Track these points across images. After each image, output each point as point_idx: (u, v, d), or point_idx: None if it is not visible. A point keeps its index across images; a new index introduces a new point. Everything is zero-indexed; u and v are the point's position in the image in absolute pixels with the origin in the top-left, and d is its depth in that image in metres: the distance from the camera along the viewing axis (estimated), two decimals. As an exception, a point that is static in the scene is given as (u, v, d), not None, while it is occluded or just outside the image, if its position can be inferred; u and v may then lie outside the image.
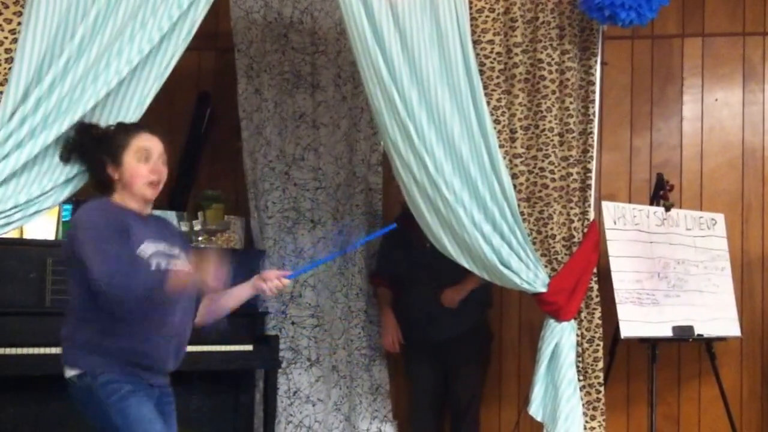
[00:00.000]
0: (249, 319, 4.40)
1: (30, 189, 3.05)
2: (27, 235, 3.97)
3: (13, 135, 3.02)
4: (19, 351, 3.73)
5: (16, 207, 3.03)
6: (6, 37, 3.05)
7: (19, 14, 3.06)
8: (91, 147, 2.96)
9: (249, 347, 4.22)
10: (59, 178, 3.09)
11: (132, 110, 3.18)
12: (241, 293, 3.06)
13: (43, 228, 4.05)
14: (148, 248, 2.80)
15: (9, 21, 3.06)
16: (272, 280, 3.03)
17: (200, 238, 4.55)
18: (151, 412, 2.79)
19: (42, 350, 3.77)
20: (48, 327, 3.86)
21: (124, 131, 2.93)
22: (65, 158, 3.04)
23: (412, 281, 4.47)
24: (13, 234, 4.02)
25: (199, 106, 4.90)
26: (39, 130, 3.03)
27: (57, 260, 3.94)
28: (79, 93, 3.09)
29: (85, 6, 3.15)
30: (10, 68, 3.04)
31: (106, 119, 3.13)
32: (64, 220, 4.23)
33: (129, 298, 2.67)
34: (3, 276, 3.87)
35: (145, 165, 2.87)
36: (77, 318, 2.83)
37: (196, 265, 2.79)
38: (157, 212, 3.14)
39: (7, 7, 3.05)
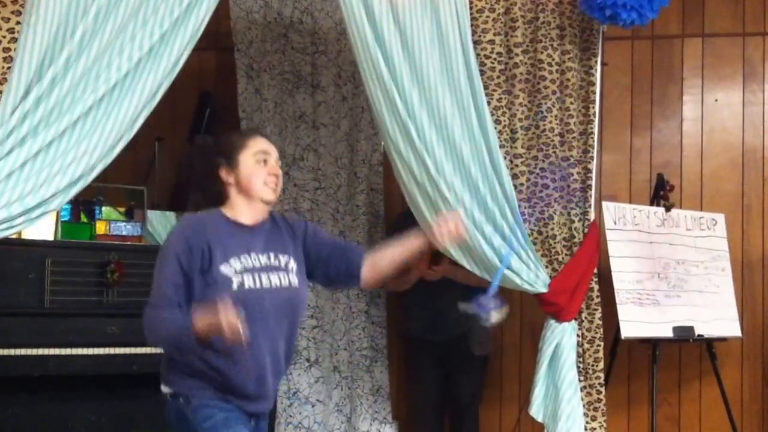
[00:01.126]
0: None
1: (38, 192, 3.04)
2: (26, 236, 3.96)
3: (13, 132, 3.02)
4: (19, 352, 3.72)
5: (23, 213, 3.02)
6: (4, 36, 3.05)
7: (18, 13, 3.06)
8: (202, 157, 2.85)
9: (249, 348, 4.21)
10: (63, 181, 3.09)
11: (140, 106, 3.17)
12: (406, 248, 2.92)
13: (41, 228, 4.04)
14: (235, 263, 2.68)
15: (7, 20, 3.06)
16: (447, 223, 2.82)
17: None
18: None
19: (41, 351, 3.77)
20: (47, 327, 3.88)
21: (239, 134, 2.88)
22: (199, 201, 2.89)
23: (415, 282, 4.46)
24: (12, 234, 4.02)
25: (200, 105, 4.89)
26: (41, 128, 3.03)
27: (56, 261, 3.94)
28: (80, 91, 3.10)
29: (86, 4, 3.15)
30: (9, 67, 3.05)
31: (110, 118, 3.11)
32: (63, 220, 4.23)
33: (154, 341, 2.65)
34: (2, 276, 3.87)
35: (263, 167, 2.78)
36: None
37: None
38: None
39: (5, 5, 3.05)
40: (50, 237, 4.15)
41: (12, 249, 3.88)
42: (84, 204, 4.25)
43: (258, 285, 2.69)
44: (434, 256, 4.17)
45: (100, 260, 4.02)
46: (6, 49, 3.04)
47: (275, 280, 2.73)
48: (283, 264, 2.77)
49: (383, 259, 2.92)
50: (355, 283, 2.94)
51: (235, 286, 2.65)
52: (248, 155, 2.78)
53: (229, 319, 2.46)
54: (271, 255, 2.76)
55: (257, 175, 2.77)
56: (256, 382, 2.71)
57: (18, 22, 3.07)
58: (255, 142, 2.81)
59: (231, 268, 2.67)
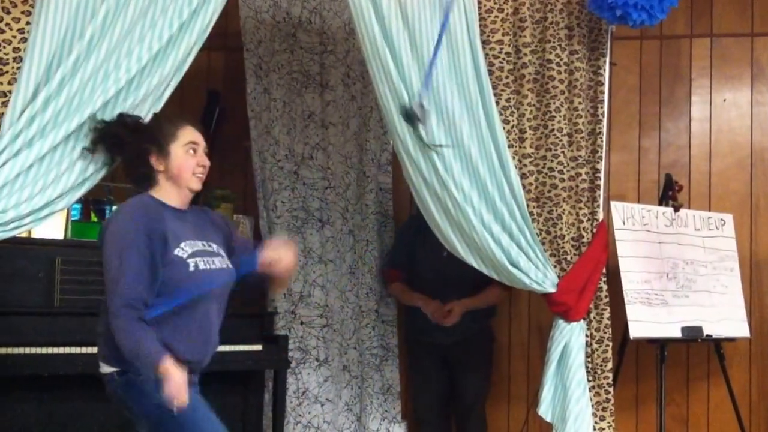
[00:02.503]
0: (258, 319, 4.41)
1: (46, 192, 3.05)
2: (35, 235, 3.97)
3: (22, 133, 3.02)
4: (28, 351, 3.73)
5: (31, 213, 3.03)
6: (14, 36, 3.05)
7: (28, 14, 3.07)
8: (131, 137, 2.96)
9: (258, 347, 4.22)
10: (70, 180, 3.09)
11: (147, 107, 3.18)
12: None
13: (51, 227, 4.05)
14: (186, 247, 2.84)
15: (17, 20, 3.06)
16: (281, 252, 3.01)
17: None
18: (201, 401, 2.85)
19: (51, 350, 3.77)
20: (57, 326, 3.88)
21: (169, 123, 2.95)
22: (92, 149, 3.05)
23: (422, 283, 4.47)
24: (21, 233, 4.03)
25: (209, 104, 4.90)
26: (49, 128, 3.04)
27: (66, 260, 3.95)
28: (89, 92, 3.10)
29: (94, 5, 3.16)
30: (18, 67, 3.05)
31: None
32: (72, 219, 4.24)
33: (119, 339, 2.71)
34: (12, 275, 3.88)
35: (193, 157, 2.92)
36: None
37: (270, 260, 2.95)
38: None
39: (15, 6, 3.06)
40: (60, 236, 4.16)
41: (22, 248, 3.89)
42: (94, 203, 4.27)
43: (209, 266, 2.86)
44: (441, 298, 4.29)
45: (108, 260, 4.02)
46: (16, 50, 3.05)
47: (218, 263, 2.91)
48: (216, 250, 2.95)
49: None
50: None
51: (191, 267, 2.81)
52: (179, 146, 2.91)
53: (181, 393, 2.63)
54: (204, 242, 2.93)
55: (187, 165, 2.91)
56: (202, 354, 2.90)
57: (28, 23, 3.07)
58: (185, 133, 2.93)
59: (184, 252, 2.83)
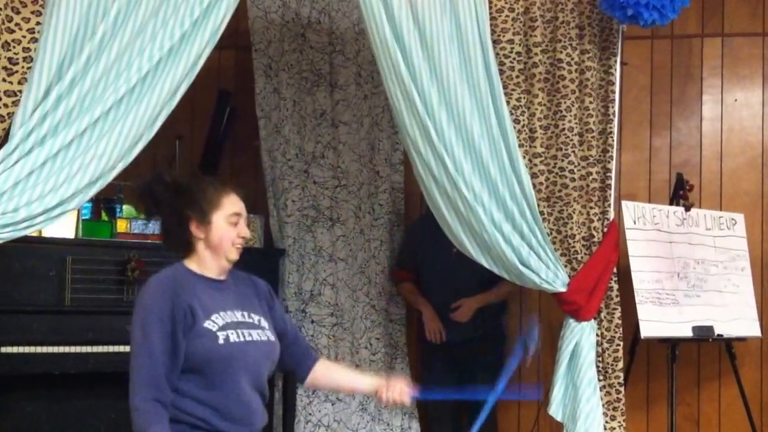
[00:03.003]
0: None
1: (58, 191, 3.06)
2: (46, 234, 3.98)
3: (34, 132, 3.03)
4: (39, 349, 3.74)
5: (43, 212, 3.04)
6: (24, 36, 3.06)
7: (38, 13, 3.08)
8: (171, 199, 2.74)
9: (268, 346, 4.22)
10: (83, 180, 3.10)
11: (158, 106, 3.18)
12: (357, 385, 3.02)
13: (62, 226, 4.07)
14: (218, 320, 2.68)
15: (27, 20, 3.07)
16: (394, 392, 2.89)
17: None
18: None
19: (61, 349, 3.79)
20: (67, 325, 3.90)
21: (213, 189, 2.77)
22: (144, 212, 2.84)
23: (432, 282, 4.47)
24: (33, 232, 4.05)
25: (219, 104, 4.91)
26: (61, 127, 3.05)
27: (77, 259, 3.97)
28: (101, 91, 3.11)
29: (106, 5, 3.16)
30: (29, 67, 3.06)
31: (129, 118, 3.12)
32: (83, 218, 4.25)
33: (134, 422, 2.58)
34: (23, 275, 3.90)
35: (234, 229, 2.75)
36: None
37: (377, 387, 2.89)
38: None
39: (25, 6, 3.07)
40: (71, 235, 4.17)
41: (33, 247, 3.91)
42: (104, 202, 4.27)
43: (242, 339, 2.69)
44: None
45: (120, 258, 4.04)
46: (26, 49, 3.06)
47: (255, 335, 2.73)
48: (256, 321, 2.77)
49: (330, 379, 2.99)
50: (297, 378, 3.07)
51: (221, 340, 2.65)
52: (221, 216, 2.74)
53: None
54: (245, 313, 2.76)
55: (228, 237, 2.74)
56: (242, 423, 2.70)
57: (38, 23, 3.08)
58: (230, 203, 2.76)
59: (214, 324, 2.67)
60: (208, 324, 2.65)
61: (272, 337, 2.79)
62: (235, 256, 2.78)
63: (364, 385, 2.97)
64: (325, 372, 2.96)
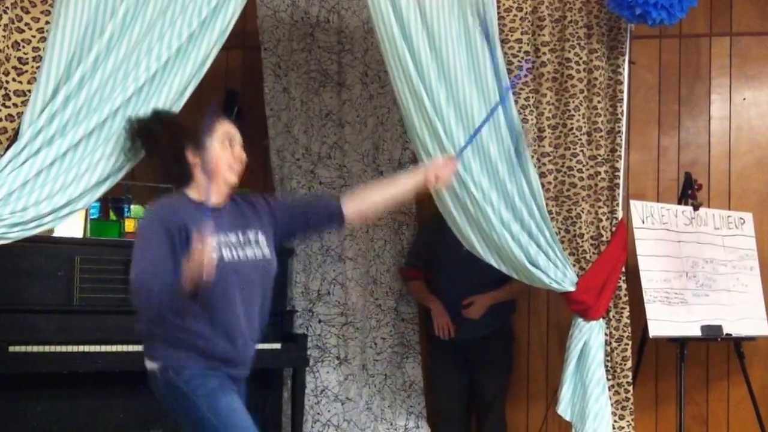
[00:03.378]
0: (277, 318, 4.42)
1: (67, 190, 3.06)
2: (55, 234, 3.99)
3: (42, 131, 3.04)
4: (48, 348, 3.75)
5: (52, 211, 3.04)
6: (33, 36, 3.07)
7: (47, 13, 3.08)
8: (167, 133, 2.90)
9: (277, 345, 4.23)
10: (91, 179, 3.11)
11: (167, 106, 3.19)
12: (397, 189, 3.08)
13: (70, 226, 4.07)
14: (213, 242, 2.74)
15: (36, 20, 3.08)
16: (442, 169, 3.03)
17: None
18: (241, 407, 2.79)
19: (70, 348, 3.80)
20: (76, 325, 3.91)
21: (204, 117, 2.90)
22: (130, 148, 3.03)
23: (442, 281, 4.48)
24: (42, 232, 4.06)
25: (227, 103, 4.91)
26: (69, 127, 3.06)
27: (85, 258, 3.97)
28: (109, 90, 3.12)
29: (114, 4, 3.17)
30: (38, 67, 3.06)
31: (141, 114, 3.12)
32: (91, 218, 4.26)
33: (148, 298, 2.66)
34: (32, 274, 3.91)
35: (229, 150, 2.89)
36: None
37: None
38: None
39: (34, 5, 3.07)
40: (79, 234, 4.18)
41: (41, 246, 3.91)
42: (113, 202, 4.28)
43: (235, 257, 2.81)
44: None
45: (128, 258, 3.94)
46: (36, 49, 3.06)
47: (250, 253, 2.86)
48: (252, 239, 2.90)
49: (372, 195, 3.08)
50: (338, 223, 3.07)
51: (214, 257, 2.69)
52: (215, 138, 2.87)
53: (206, 251, 2.55)
54: (239, 233, 2.88)
55: (224, 159, 2.87)
56: (234, 344, 2.80)
57: (47, 22, 3.09)
58: (222, 126, 2.90)
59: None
60: None
61: (267, 253, 2.91)
62: (233, 178, 2.91)
63: (408, 184, 3.06)
64: (359, 199, 3.06)
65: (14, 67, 3.03)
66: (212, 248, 2.60)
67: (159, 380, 2.79)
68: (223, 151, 2.88)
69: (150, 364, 2.82)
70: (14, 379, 3.76)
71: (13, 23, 3.02)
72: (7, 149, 3.02)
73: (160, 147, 2.92)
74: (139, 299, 2.69)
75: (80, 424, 3.98)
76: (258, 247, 2.90)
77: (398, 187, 3.11)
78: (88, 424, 3.99)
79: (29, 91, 3.06)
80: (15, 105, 3.03)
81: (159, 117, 2.99)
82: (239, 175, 2.91)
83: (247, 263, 2.85)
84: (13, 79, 3.03)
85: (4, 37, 3.00)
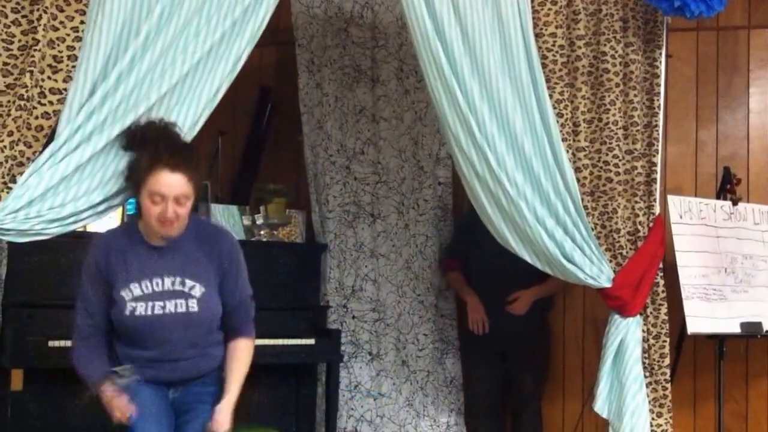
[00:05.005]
0: (310, 313, 4.43)
1: (105, 187, 3.09)
2: (92, 229, 4.02)
3: (80, 129, 3.06)
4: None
5: (89, 207, 3.08)
6: (68, 34, 3.08)
7: (82, 12, 3.10)
8: (130, 152, 2.99)
9: (311, 341, 4.24)
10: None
11: (201, 105, 3.20)
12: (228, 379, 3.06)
13: (107, 221, 4.09)
14: (135, 289, 2.89)
15: (71, 18, 3.09)
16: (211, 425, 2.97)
17: (262, 232, 4.59)
18: (147, 396, 2.90)
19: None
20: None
21: (145, 161, 2.88)
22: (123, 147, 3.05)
23: (481, 274, 4.47)
24: (78, 228, 4.10)
25: (261, 100, 4.94)
26: (107, 124, 3.08)
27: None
28: (146, 88, 3.13)
29: (150, 3, 3.18)
30: (73, 65, 3.08)
31: (173, 115, 3.14)
32: (128, 213, 4.29)
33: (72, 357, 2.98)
34: (69, 269, 3.93)
35: (156, 207, 2.85)
36: None
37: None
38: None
39: (69, 4, 3.09)
40: (116, 230, 4.21)
41: (79, 242, 3.92)
42: (149, 198, 4.30)
43: (149, 312, 2.89)
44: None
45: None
46: (71, 47, 3.08)
47: (170, 306, 2.90)
48: (187, 289, 2.92)
49: (229, 363, 3.07)
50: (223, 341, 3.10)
51: (127, 311, 2.88)
52: (145, 193, 2.86)
53: (118, 416, 2.83)
54: (177, 279, 2.90)
55: (151, 214, 2.86)
56: (163, 375, 2.98)
57: (82, 21, 3.10)
58: (153, 181, 2.84)
59: (129, 293, 2.89)
60: (123, 292, 2.89)
61: (194, 307, 2.91)
62: (162, 230, 2.88)
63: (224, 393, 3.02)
64: (228, 352, 3.06)
65: (50, 65, 3.05)
66: (122, 409, 2.82)
67: None
68: (150, 207, 2.86)
69: None
70: (54, 372, 3.80)
71: (48, 21, 3.05)
72: (45, 146, 3.06)
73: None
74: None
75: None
76: (186, 299, 2.94)
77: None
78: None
79: (65, 89, 3.08)
80: (51, 103, 3.05)
81: (132, 131, 2.98)
82: (172, 227, 2.89)
83: (163, 317, 2.91)
84: (49, 77, 3.05)
85: (40, 35, 3.03)
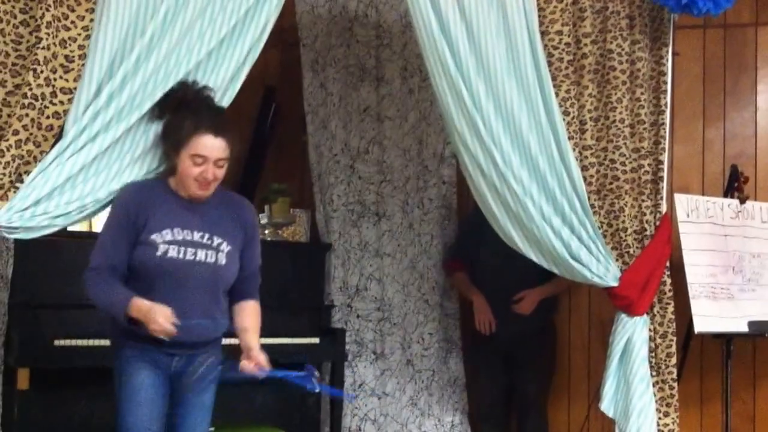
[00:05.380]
0: (315, 313, 4.43)
1: (111, 184, 3.09)
2: (96, 229, 4.03)
3: (86, 129, 3.06)
4: (91, 342, 3.79)
5: (96, 201, 3.08)
6: (79, 34, 3.08)
7: (92, 11, 3.09)
8: (167, 115, 3.02)
9: (315, 340, 4.25)
10: (132, 174, 3.12)
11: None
12: (241, 335, 3.08)
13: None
14: (167, 234, 2.91)
15: (82, 18, 3.09)
16: (249, 365, 3.01)
17: (267, 231, 4.59)
18: (142, 382, 2.92)
19: (112, 342, 3.83)
20: (119, 319, 3.95)
21: (188, 125, 2.95)
22: (157, 115, 3.06)
23: (486, 274, 4.46)
24: (82, 228, 4.11)
25: (265, 100, 4.93)
26: (113, 124, 3.08)
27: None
28: (150, 88, 3.12)
29: (155, 3, 3.18)
30: (83, 65, 3.08)
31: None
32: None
33: (92, 301, 2.93)
34: (75, 269, 3.92)
35: (197, 168, 2.93)
36: None
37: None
38: None
39: (79, 4, 3.09)
40: (121, 231, 4.21)
41: (84, 242, 3.95)
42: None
43: (182, 256, 2.92)
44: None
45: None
46: (81, 47, 3.08)
47: (201, 255, 2.95)
48: (215, 244, 2.97)
49: (235, 320, 3.10)
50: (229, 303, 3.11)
51: (159, 252, 2.90)
52: (186, 155, 2.93)
53: (164, 326, 2.79)
54: (206, 235, 2.96)
55: (189, 174, 2.93)
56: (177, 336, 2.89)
57: (92, 20, 3.10)
58: (196, 144, 2.92)
59: (160, 237, 2.91)
60: (155, 236, 2.90)
61: (223, 260, 2.98)
62: (198, 191, 2.96)
63: (243, 342, 3.05)
64: (235, 312, 3.09)
65: (62, 65, 3.05)
66: (165, 314, 2.79)
67: (111, 351, 3.02)
68: (190, 167, 2.93)
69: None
70: (59, 372, 3.81)
71: (60, 21, 3.05)
72: (53, 146, 3.06)
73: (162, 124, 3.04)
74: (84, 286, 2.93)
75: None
76: (214, 252, 2.97)
77: (241, 336, 3.08)
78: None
79: (75, 89, 3.08)
80: (61, 102, 3.05)
81: (174, 93, 3.04)
82: (208, 188, 2.96)
83: (193, 264, 2.94)
84: (61, 77, 3.05)
85: (50, 35, 3.03)
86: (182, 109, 2.99)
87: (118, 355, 2.98)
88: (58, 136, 3.05)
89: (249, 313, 3.10)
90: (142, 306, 2.82)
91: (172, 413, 3.02)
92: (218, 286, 3.02)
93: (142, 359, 2.94)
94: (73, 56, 3.06)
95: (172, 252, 2.91)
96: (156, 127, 3.13)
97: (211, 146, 2.93)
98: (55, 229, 3.06)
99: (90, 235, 4.00)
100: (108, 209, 3.06)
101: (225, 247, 3.00)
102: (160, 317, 2.79)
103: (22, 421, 3.72)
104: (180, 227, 2.94)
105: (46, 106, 3.02)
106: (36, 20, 3.01)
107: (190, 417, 3.03)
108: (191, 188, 2.96)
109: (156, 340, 2.87)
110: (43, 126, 3.02)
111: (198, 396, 3.04)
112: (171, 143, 2.97)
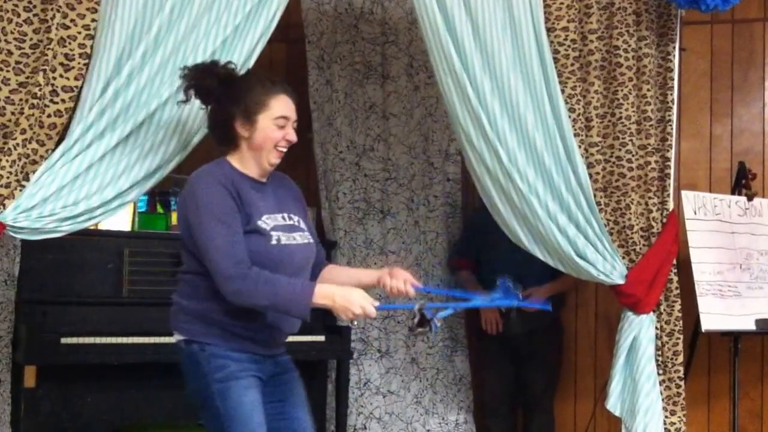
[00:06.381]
0: (321, 310, 4.41)
1: (117, 183, 3.09)
2: (103, 227, 4.04)
3: (92, 127, 3.07)
4: (99, 340, 3.80)
5: (102, 204, 3.08)
6: (79, 33, 3.09)
7: (93, 10, 3.10)
8: (220, 92, 2.73)
9: (321, 338, 4.25)
10: (140, 172, 3.14)
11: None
12: (361, 278, 2.91)
13: (118, 219, 4.12)
14: (268, 221, 2.69)
15: (82, 17, 3.10)
16: (398, 280, 2.85)
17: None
18: (252, 401, 2.65)
19: (120, 339, 3.85)
20: (125, 317, 3.97)
21: (263, 88, 2.73)
22: (185, 99, 2.81)
23: (490, 274, 4.43)
24: (91, 225, 4.11)
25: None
26: (120, 121, 3.08)
27: (133, 251, 4.02)
28: (157, 84, 3.14)
29: (162, 0, 3.19)
30: (85, 63, 3.09)
31: (185, 111, 3.13)
32: (139, 211, 4.31)
33: (251, 302, 2.58)
34: (82, 267, 3.97)
35: (280, 131, 2.73)
36: (186, 283, 2.73)
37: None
38: None
39: (80, 3, 3.09)
40: (127, 228, 4.24)
41: (91, 240, 3.98)
42: (160, 195, 4.33)
43: (290, 242, 2.71)
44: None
45: (175, 250, 4.00)
46: (82, 45, 3.09)
47: (299, 238, 2.76)
48: (296, 222, 2.79)
49: (337, 276, 2.92)
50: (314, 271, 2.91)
51: (273, 240, 2.66)
52: (268, 118, 2.71)
53: (367, 309, 2.61)
54: (285, 215, 2.77)
55: (272, 138, 2.72)
56: (271, 331, 2.73)
57: (93, 19, 3.11)
58: (278, 105, 2.72)
59: (265, 224, 2.68)
60: (261, 222, 2.66)
61: (311, 239, 2.83)
62: (276, 159, 2.77)
63: (368, 277, 2.91)
64: (329, 274, 2.92)
65: (61, 64, 3.06)
66: (366, 298, 2.62)
67: (184, 353, 2.70)
68: (273, 132, 2.72)
69: (177, 337, 2.73)
70: (66, 369, 3.82)
71: (59, 20, 3.06)
72: (57, 144, 3.06)
73: (210, 103, 2.77)
74: (244, 302, 2.59)
75: (130, 414, 4.04)
76: (303, 232, 2.80)
77: (360, 278, 2.92)
78: (137, 415, 4.05)
79: (76, 87, 3.09)
80: (63, 101, 3.06)
81: (214, 70, 2.75)
82: (282, 156, 2.79)
83: (299, 247, 2.75)
84: (61, 75, 3.06)
85: (51, 33, 3.03)
86: (234, 80, 2.75)
87: (213, 370, 2.64)
88: (62, 135, 3.06)
89: (338, 267, 3.03)
90: (331, 292, 2.60)
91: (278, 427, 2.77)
92: (309, 269, 2.83)
93: (248, 372, 2.68)
94: (73, 55, 3.07)
95: (283, 239, 2.68)
96: (165, 126, 3.13)
97: (292, 106, 2.77)
98: (62, 234, 3.06)
99: (96, 233, 4.01)
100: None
101: (303, 225, 2.81)
102: (361, 299, 2.59)
103: (29, 418, 3.74)
104: (269, 212, 2.71)
105: (47, 105, 3.03)
106: (43, 20, 3.03)
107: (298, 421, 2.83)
108: (272, 156, 2.73)
109: (258, 342, 2.68)
110: (46, 124, 3.03)
111: (296, 395, 2.85)
112: (243, 113, 2.69)
